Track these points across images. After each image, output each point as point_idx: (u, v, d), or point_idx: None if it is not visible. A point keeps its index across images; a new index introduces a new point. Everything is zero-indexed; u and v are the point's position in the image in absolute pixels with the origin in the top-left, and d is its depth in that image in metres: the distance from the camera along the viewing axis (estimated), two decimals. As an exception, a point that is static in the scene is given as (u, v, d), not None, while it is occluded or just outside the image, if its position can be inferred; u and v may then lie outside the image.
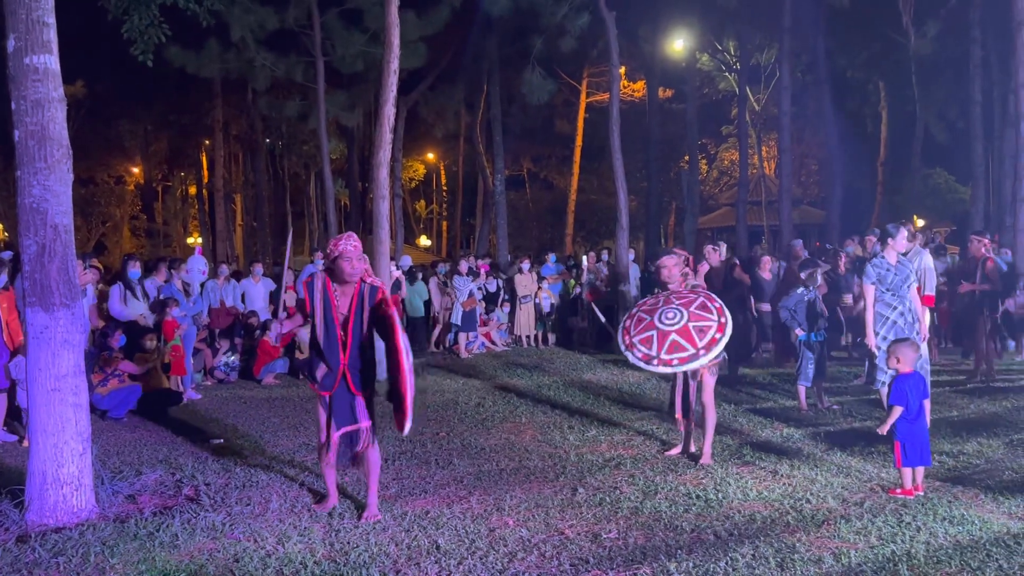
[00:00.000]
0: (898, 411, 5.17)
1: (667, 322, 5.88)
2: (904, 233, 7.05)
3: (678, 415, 6.45)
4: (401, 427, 4.61)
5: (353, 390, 4.86)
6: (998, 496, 5.07)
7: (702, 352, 5.69)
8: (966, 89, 21.24)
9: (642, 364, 5.83)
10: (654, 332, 5.88)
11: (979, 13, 19.91)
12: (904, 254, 7.16)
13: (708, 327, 5.78)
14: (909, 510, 4.83)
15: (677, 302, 6.03)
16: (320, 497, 5.29)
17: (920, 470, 5.22)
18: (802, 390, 8.05)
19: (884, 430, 5.23)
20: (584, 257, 15.16)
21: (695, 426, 6.34)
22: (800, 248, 10.95)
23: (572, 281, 15.40)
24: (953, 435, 6.71)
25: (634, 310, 6.28)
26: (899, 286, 6.87)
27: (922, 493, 5.12)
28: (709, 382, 6.16)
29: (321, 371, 4.86)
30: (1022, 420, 7.02)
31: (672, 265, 6.28)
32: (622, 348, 5.99)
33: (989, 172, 22.38)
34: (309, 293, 4.87)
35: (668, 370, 5.81)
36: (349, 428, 4.89)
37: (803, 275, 8.24)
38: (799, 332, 8.04)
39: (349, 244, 4.75)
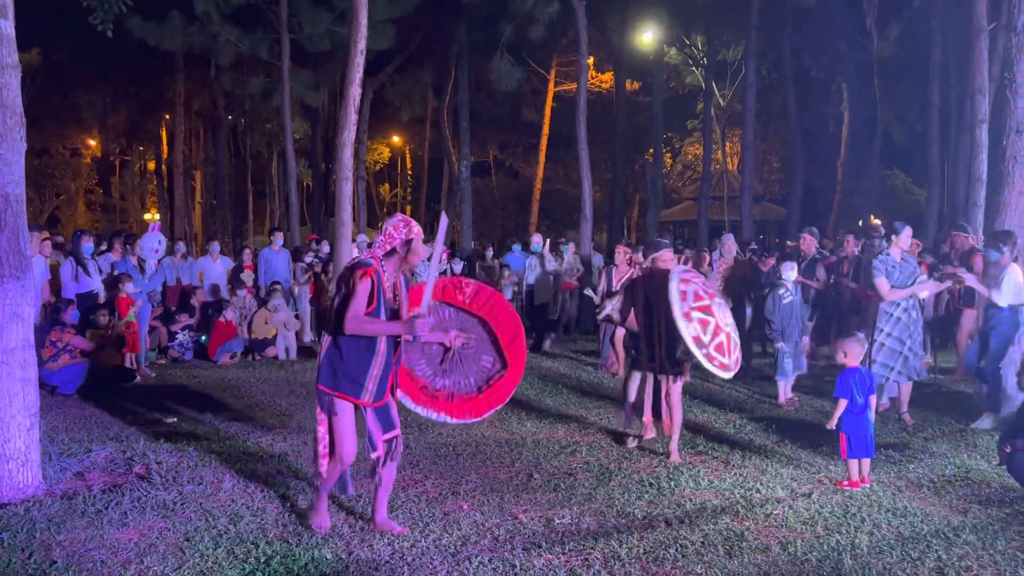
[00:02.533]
0: (843, 404, 5.32)
1: (725, 323, 5.68)
2: (908, 232, 7.18)
3: (647, 418, 6.36)
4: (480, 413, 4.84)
5: (393, 393, 4.42)
6: (940, 490, 5.22)
7: (733, 366, 5.65)
8: (925, 93, 21.65)
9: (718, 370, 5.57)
10: (723, 336, 5.62)
11: (940, 19, 20.29)
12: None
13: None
14: (854, 502, 4.95)
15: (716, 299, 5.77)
16: (341, 544, 4.26)
17: (866, 462, 5.35)
18: (781, 384, 8.04)
19: (832, 424, 5.35)
20: (566, 247, 14.87)
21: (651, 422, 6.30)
22: (732, 242, 10.83)
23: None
24: (899, 430, 6.88)
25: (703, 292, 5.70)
26: (903, 283, 7.02)
27: (868, 485, 5.25)
28: (678, 385, 6.06)
29: (373, 379, 4.18)
30: (970, 416, 7.21)
31: (671, 259, 6.07)
32: (699, 356, 5.49)
33: (944, 175, 22.86)
34: (378, 283, 4.14)
35: (726, 373, 5.61)
36: (392, 434, 4.38)
37: (782, 271, 8.19)
38: (781, 346, 7.94)
39: (419, 227, 4.28)
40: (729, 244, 10.39)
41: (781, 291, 8.05)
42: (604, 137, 29.05)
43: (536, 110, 31.18)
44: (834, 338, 9.34)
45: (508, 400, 4.91)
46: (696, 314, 5.46)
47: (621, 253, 9.92)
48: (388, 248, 4.20)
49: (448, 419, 4.84)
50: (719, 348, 5.52)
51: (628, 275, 9.39)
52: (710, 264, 11.05)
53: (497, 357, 4.92)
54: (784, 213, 27.71)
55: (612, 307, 6.41)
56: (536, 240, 12.81)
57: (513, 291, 13.40)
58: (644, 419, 6.39)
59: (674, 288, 5.52)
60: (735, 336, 5.76)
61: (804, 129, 26.09)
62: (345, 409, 4.20)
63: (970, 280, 7.10)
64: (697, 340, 5.43)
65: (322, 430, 4.28)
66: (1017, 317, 6.95)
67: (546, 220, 36.65)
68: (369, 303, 4.09)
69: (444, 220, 4.54)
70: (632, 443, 6.33)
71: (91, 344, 8.63)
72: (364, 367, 4.14)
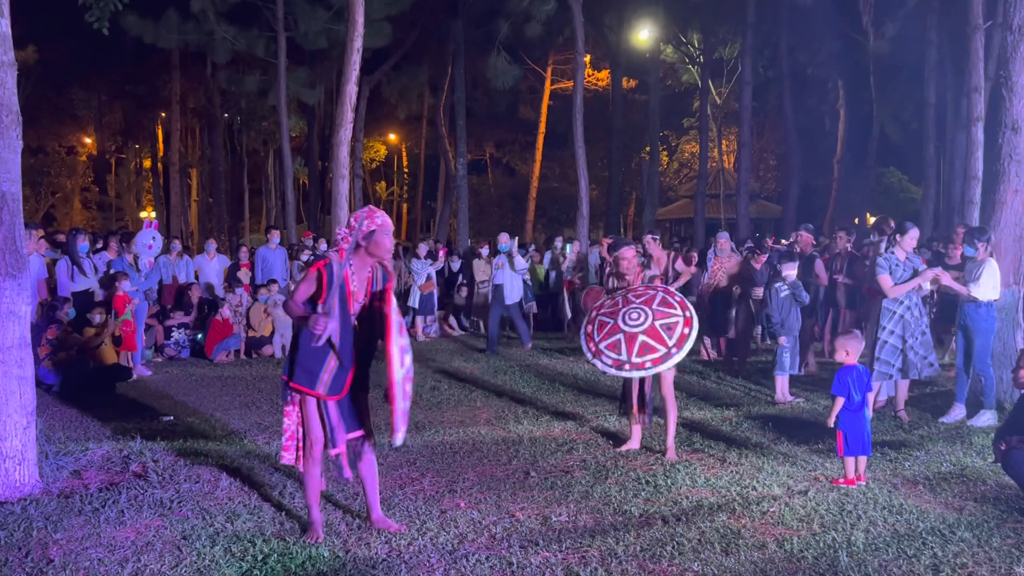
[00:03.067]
0: (840, 401, 5.32)
1: (632, 323, 5.66)
2: (914, 232, 7.21)
3: (635, 410, 6.16)
4: (393, 434, 4.21)
5: (360, 389, 4.28)
6: (936, 487, 5.23)
7: (674, 351, 5.49)
8: (921, 91, 21.67)
9: (613, 371, 5.59)
10: (620, 336, 5.64)
11: (936, 17, 20.32)
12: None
13: (675, 324, 5.60)
14: (850, 499, 4.97)
15: (638, 301, 5.81)
16: (303, 524, 4.40)
17: (862, 460, 5.36)
18: (779, 380, 7.99)
19: (831, 422, 5.36)
20: (569, 245, 14.65)
21: (649, 419, 6.18)
22: (725, 240, 10.79)
23: (540, 267, 14.81)
24: (896, 427, 6.90)
25: (593, 314, 5.95)
26: (904, 282, 7.04)
27: (864, 483, 5.26)
28: (668, 376, 5.96)
29: (329, 372, 4.08)
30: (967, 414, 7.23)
31: (632, 256, 6.19)
32: (588, 356, 5.72)
33: (940, 173, 22.91)
34: (328, 277, 4.08)
35: (641, 373, 5.57)
36: (356, 434, 4.27)
37: (782, 269, 8.20)
38: (783, 340, 7.92)
39: (386, 216, 4.18)
40: (722, 243, 10.40)
41: (778, 284, 8.08)
42: (600, 135, 29.10)
43: (533, 108, 31.21)
44: (830, 335, 9.36)
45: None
46: (605, 348, 5.69)
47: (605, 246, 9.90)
48: (352, 241, 4.11)
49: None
50: (642, 349, 5.55)
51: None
52: (698, 264, 10.97)
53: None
54: (780, 211, 27.75)
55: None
56: (503, 239, 12.24)
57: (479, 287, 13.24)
58: (634, 410, 6.14)
59: (583, 340, 5.87)
60: (663, 322, 5.65)
61: (800, 127, 26.13)
62: (309, 401, 4.14)
63: (946, 279, 7.15)
64: (616, 364, 5.59)
65: (286, 422, 4.26)
66: (993, 312, 7.09)
67: (543, 218, 36.69)
68: (319, 295, 4.07)
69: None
70: (624, 447, 6.15)
71: (88, 342, 8.61)
72: (319, 358, 4.06)
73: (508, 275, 11.75)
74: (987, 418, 6.93)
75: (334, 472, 4.28)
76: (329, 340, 4.04)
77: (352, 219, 4.13)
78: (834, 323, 9.48)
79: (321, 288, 4.06)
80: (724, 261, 9.96)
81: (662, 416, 6.19)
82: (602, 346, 5.68)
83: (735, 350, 9.72)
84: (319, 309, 4.06)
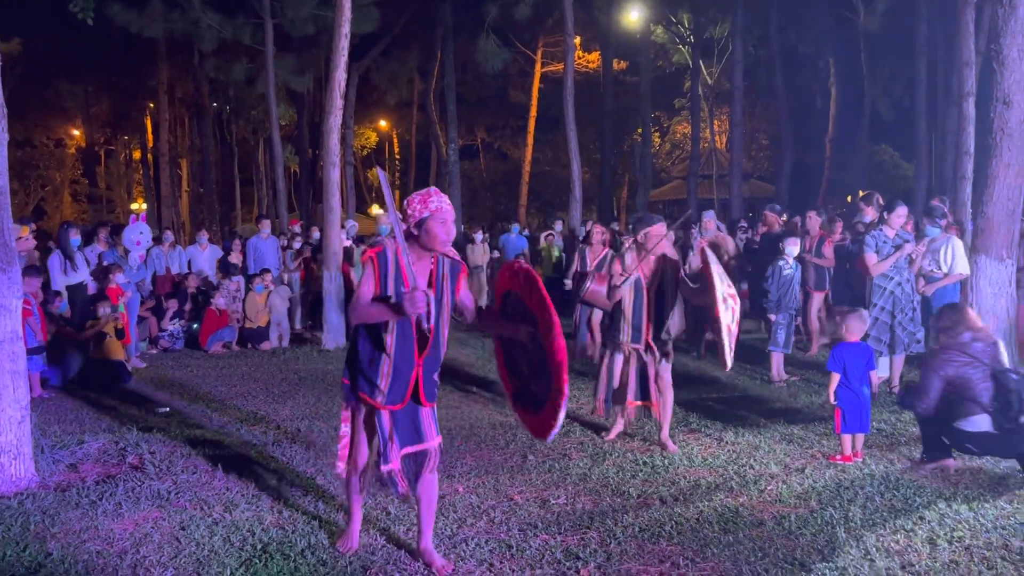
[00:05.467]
0: (835, 377, 5.37)
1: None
2: (902, 210, 7.28)
3: (631, 402, 5.81)
4: (545, 433, 3.50)
5: (424, 400, 3.68)
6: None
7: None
8: (912, 67, 21.65)
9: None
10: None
11: (926, -8, 20.28)
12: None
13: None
14: (848, 476, 4.99)
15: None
16: (336, 531, 4.10)
17: (860, 437, 5.38)
18: (775, 358, 7.98)
19: (831, 397, 5.41)
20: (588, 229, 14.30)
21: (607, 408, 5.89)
22: (712, 219, 10.69)
23: (555, 248, 14.10)
24: (892, 403, 6.92)
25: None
26: (897, 260, 7.12)
27: (861, 460, 5.28)
28: (667, 365, 5.76)
29: (385, 378, 3.58)
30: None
31: (663, 234, 5.64)
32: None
33: (932, 149, 22.90)
34: (381, 268, 3.54)
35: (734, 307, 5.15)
36: (414, 448, 3.71)
37: (785, 246, 8.20)
38: (773, 317, 7.93)
39: (443, 201, 3.55)
40: (707, 222, 10.37)
41: (781, 263, 8.09)
42: (592, 118, 29.00)
43: (523, 91, 31.06)
44: (802, 317, 9.38)
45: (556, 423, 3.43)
46: (730, 301, 5.17)
47: (597, 233, 9.85)
48: (404, 229, 3.54)
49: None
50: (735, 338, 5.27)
51: (603, 255, 9.27)
52: (681, 245, 10.90)
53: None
54: (773, 190, 27.73)
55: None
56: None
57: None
58: (627, 403, 5.83)
59: (715, 270, 5.15)
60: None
61: (792, 106, 26.09)
62: (360, 409, 3.73)
63: (918, 255, 7.31)
64: (728, 329, 5.11)
65: (344, 428, 3.81)
66: (958, 286, 7.30)
67: (536, 202, 36.62)
68: (375, 287, 3.53)
69: (381, 174, 3.78)
70: (611, 436, 5.97)
71: (85, 336, 8.56)
72: (376, 364, 3.58)
73: None
74: None
75: (390, 489, 3.70)
76: (381, 343, 3.55)
77: (406, 203, 3.57)
78: (803, 304, 9.46)
79: (375, 278, 3.54)
80: (711, 239, 9.96)
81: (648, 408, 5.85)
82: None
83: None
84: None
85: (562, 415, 3.36)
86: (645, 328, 5.68)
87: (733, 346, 5.12)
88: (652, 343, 5.69)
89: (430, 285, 3.57)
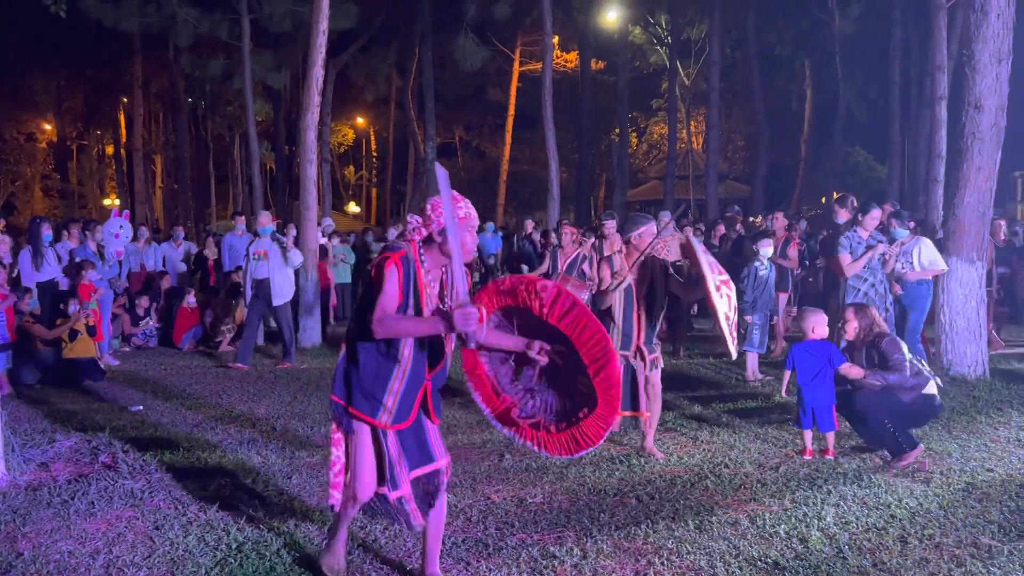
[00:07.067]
0: (786, 375, 5.63)
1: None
2: (876, 212, 7.38)
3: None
4: (573, 450, 3.51)
5: (433, 416, 3.45)
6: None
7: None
8: (886, 70, 21.92)
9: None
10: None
11: (901, -4, 20.55)
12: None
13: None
14: (821, 474, 5.04)
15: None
16: (313, 531, 4.02)
17: (830, 435, 5.46)
18: (750, 358, 8.02)
19: (783, 392, 5.74)
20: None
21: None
22: (667, 218, 10.74)
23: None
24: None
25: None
26: (870, 260, 7.21)
27: (833, 457, 5.35)
28: (657, 372, 5.69)
29: (394, 395, 3.28)
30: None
31: (656, 234, 5.51)
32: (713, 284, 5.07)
33: (905, 152, 23.21)
34: (405, 274, 3.22)
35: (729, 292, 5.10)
36: (423, 470, 3.42)
37: (759, 247, 8.25)
38: (749, 318, 7.94)
39: (470, 208, 3.34)
40: (664, 220, 10.43)
41: (757, 264, 8.15)
42: (570, 117, 29.05)
43: (502, 90, 31.05)
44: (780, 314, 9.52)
45: (597, 445, 3.52)
46: (724, 288, 5.09)
47: (567, 234, 9.85)
48: (425, 234, 3.29)
49: (537, 450, 3.71)
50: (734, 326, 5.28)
51: (574, 255, 9.20)
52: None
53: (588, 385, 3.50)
54: (749, 191, 27.96)
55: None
56: (264, 220, 11.28)
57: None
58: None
59: (703, 260, 5.08)
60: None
61: (768, 107, 26.31)
62: (361, 430, 3.34)
63: (892, 255, 7.43)
64: (726, 317, 5.05)
65: (336, 452, 3.46)
66: (932, 288, 7.50)
67: (513, 201, 36.62)
68: (396, 300, 3.21)
69: (441, 172, 3.26)
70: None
71: (55, 333, 8.44)
72: (383, 380, 3.28)
73: (277, 266, 9.31)
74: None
75: (401, 521, 3.46)
76: (395, 355, 3.28)
77: (430, 207, 3.28)
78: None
79: (398, 289, 3.21)
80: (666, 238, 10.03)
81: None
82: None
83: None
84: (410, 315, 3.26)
85: (605, 435, 3.44)
86: (636, 334, 5.50)
87: (734, 333, 5.18)
88: (643, 347, 5.53)
89: (441, 294, 3.39)
